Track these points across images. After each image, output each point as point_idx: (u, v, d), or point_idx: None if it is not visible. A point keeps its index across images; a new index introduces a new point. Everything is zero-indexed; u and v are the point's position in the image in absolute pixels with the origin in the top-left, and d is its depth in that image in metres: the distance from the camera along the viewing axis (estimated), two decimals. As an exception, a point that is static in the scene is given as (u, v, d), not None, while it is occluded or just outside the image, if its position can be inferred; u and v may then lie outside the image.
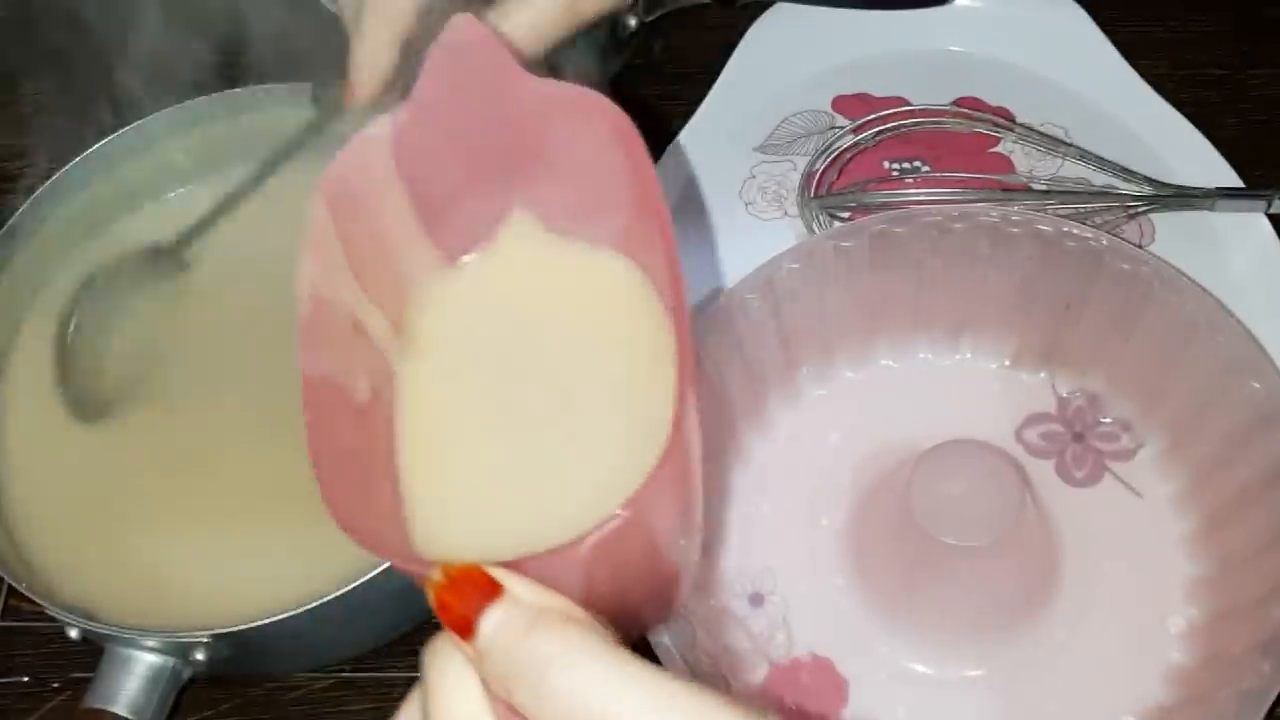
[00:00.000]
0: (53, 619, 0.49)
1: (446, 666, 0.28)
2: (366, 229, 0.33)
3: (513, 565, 0.27)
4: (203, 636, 0.48)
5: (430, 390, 0.33)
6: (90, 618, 0.49)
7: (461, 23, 0.32)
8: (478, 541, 0.29)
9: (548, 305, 0.34)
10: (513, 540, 0.27)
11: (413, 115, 0.32)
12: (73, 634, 0.49)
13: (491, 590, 0.27)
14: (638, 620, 0.32)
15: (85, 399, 0.57)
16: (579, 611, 0.27)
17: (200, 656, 0.48)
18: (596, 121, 0.31)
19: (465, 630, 0.27)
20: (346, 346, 0.32)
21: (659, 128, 0.65)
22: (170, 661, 0.48)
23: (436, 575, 0.27)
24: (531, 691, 0.26)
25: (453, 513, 0.32)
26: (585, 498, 0.29)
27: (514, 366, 0.34)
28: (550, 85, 0.32)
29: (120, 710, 0.47)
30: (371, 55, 0.50)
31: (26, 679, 0.56)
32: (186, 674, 0.49)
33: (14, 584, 0.49)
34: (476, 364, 0.34)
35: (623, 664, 0.26)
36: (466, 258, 0.35)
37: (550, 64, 0.53)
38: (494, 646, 0.26)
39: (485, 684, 0.27)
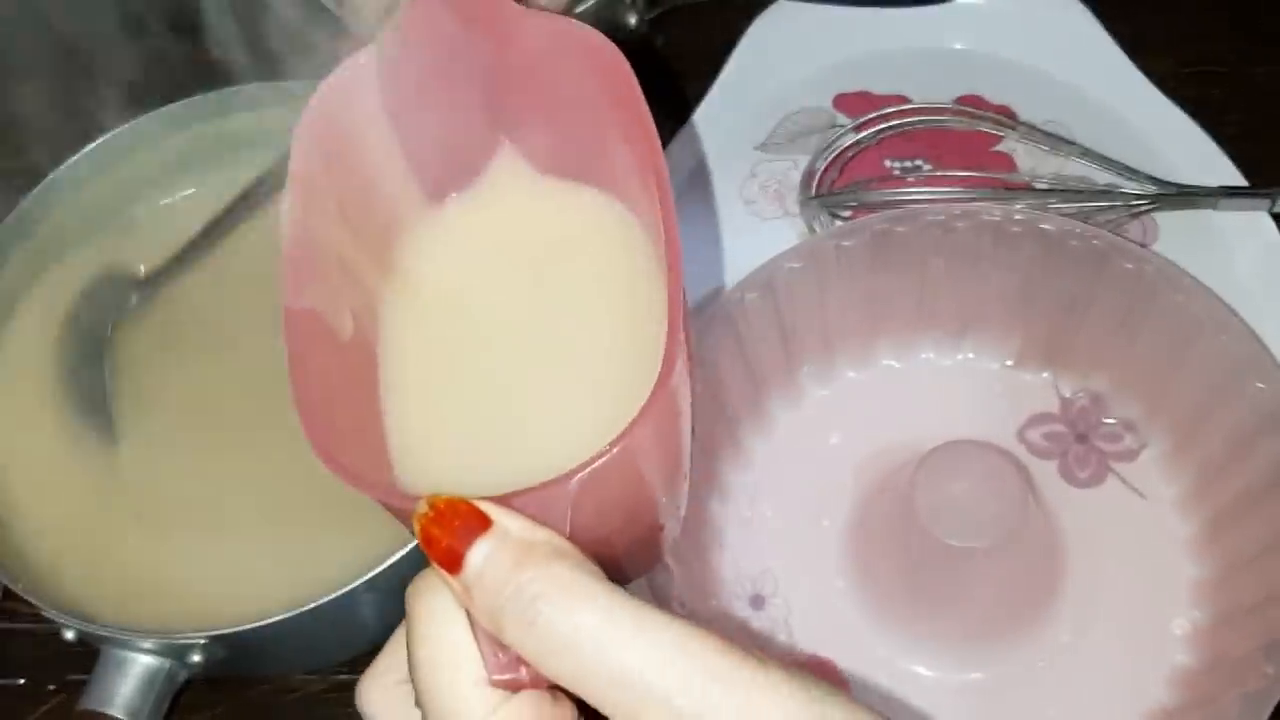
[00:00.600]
0: (49, 620, 0.49)
1: (432, 602, 0.28)
2: (350, 163, 0.32)
3: (503, 500, 0.26)
4: (199, 638, 0.47)
5: (416, 327, 0.33)
6: (86, 619, 0.49)
7: None
8: (464, 478, 0.28)
9: (535, 244, 0.34)
10: (500, 477, 0.27)
11: (397, 46, 0.31)
12: (68, 635, 0.49)
13: (479, 522, 0.26)
14: (619, 570, 0.31)
15: (86, 405, 0.57)
16: (568, 546, 0.27)
17: (196, 658, 0.48)
18: (588, 57, 0.30)
19: (452, 563, 0.26)
20: (330, 281, 0.31)
21: (659, 126, 0.65)
22: (166, 663, 0.48)
23: (422, 507, 0.27)
24: (522, 626, 0.26)
25: (438, 450, 0.31)
26: (574, 435, 0.28)
27: (501, 305, 0.33)
28: (541, 18, 0.31)
29: (116, 712, 0.47)
30: None
31: (23, 680, 0.56)
32: (182, 676, 0.49)
33: (10, 585, 0.49)
34: (463, 301, 0.33)
35: (615, 602, 0.26)
36: (453, 195, 0.34)
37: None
38: (482, 580, 0.26)
39: (472, 619, 0.27)
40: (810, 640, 0.52)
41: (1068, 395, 0.56)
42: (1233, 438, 0.51)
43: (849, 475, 0.55)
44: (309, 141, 0.31)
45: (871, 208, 0.59)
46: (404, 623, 0.29)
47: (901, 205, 0.58)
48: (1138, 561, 0.52)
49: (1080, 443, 0.55)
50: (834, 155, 0.63)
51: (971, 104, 0.65)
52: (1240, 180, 0.61)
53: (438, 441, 0.31)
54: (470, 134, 0.34)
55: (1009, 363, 0.57)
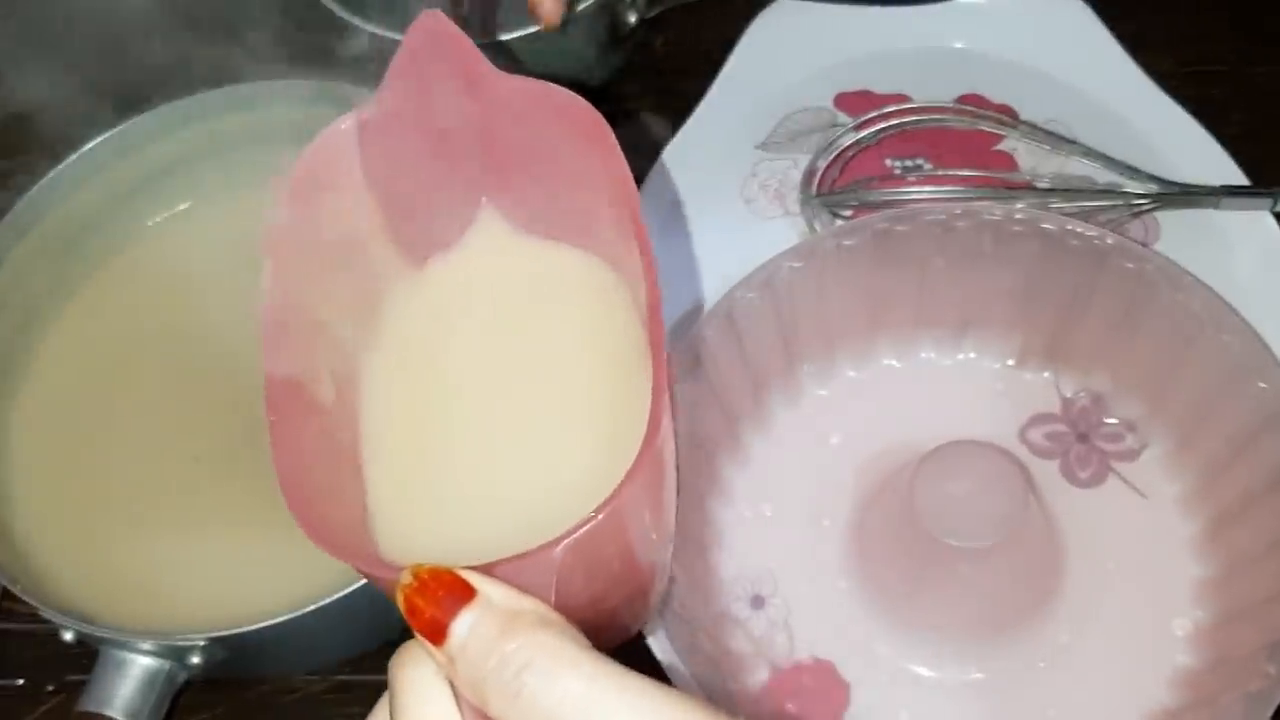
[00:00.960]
0: (48, 621, 0.49)
1: (415, 675, 0.27)
2: (330, 228, 0.32)
3: (487, 569, 0.26)
4: (198, 640, 0.47)
5: (396, 393, 0.33)
6: (86, 620, 0.49)
7: (429, 19, 0.31)
8: (446, 546, 0.28)
9: (517, 306, 0.34)
10: (482, 545, 0.27)
11: (379, 111, 0.32)
12: (67, 636, 0.48)
13: (463, 593, 0.26)
14: (611, 627, 0.31)
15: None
16: (553, 615, 0.27)
17: (195, 660, 0.48)
18: (568, 119, 0.31)
19: (436, 634, 0.26)
20: (310, 347, 0.31)
21: (659, 125, 0.65)
22: (165, 664, 0.48)
23: (406, 577, 0.26)
24: (507, 698, 0.25)
25: (420, 517, 0.31)
26: (557, 501, 0.28)
27: (482, 368, 0.33)
28: (520, 82, 0.32)
29: (115, 713, 0.47)
30: None
31: (22, 681, 0.56)
32: (181, 677, 0.49)
33: (9, 586, 0.49)
34: (443, 366, 0.33)
35: (600, 670, 0.26)
36: (433, 259, 0.34)
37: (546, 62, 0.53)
38: (467, 651, 0.26)
39: (457, 691, 0.27)
40: (810, 640, 0.52)
41: (1069, 395, 0.56)
42: (1234, 437, 0.51)
43: (849, 475, 0.55)
44: (289, 209, 0.31)
45: (872, 207, 0.59)
46: (384, 696, 0.29)
47: (902, 204, 0.58)
48: (1139, 561, 0.52)
49: (1081, 442, 0.55)
50: (835, 154, 0.63)
51: (973, 103, 0.65)
52: (1242, 179, 0.61)
53: (418, 505, 0.31)
54: (450, 195, 0.34)
55: (1010, 362, 0.57)
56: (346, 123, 0.32)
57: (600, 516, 0.26)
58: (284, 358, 0.30)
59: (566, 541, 0.26)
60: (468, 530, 0.30)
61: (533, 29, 0.61)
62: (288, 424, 0.29)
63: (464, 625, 0.26)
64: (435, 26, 0.31)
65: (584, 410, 0.31)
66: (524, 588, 0.27)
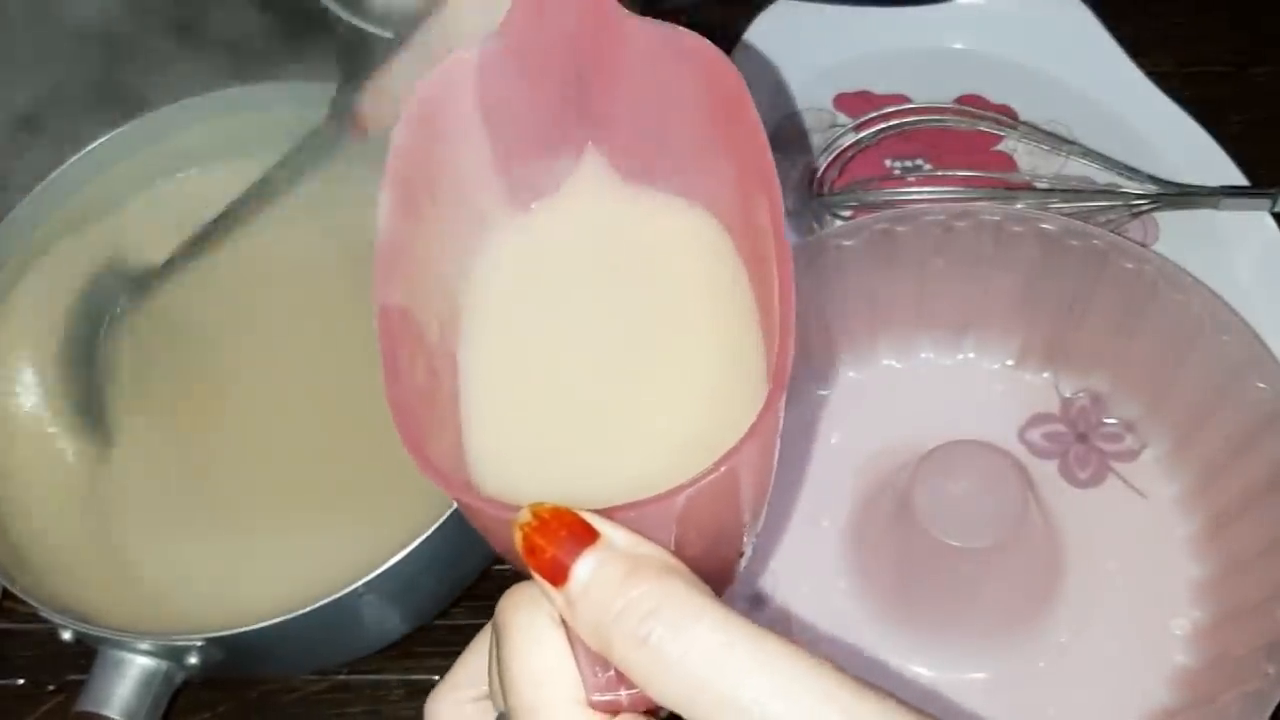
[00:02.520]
0: (47, 621, 0.49)
1: (529, 615, 0.27)
2: (443, 162, 0.31)
3: (607, 513, 0.26)
4: (196, 640, 0.47)
5: (496, 338, 0.32)
6: (85, 620, 0.48)
7: None
8: (545, 494, 0.27)
9: (619, 253, 0.33)
10: (582, 494, 0.26)
11: (500, 46, 0.31)
12: (66, 636, 0.48)
13: (586, 534, 0.25)
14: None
15: (83, 404, 0.57)
16: (678, 563, 0.26)
17: (194, 660, 0.48)
18: (697, 66, 0.30)
19: (558, 575, 0.25)
20: (419, 281, 0.30)
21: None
22: (163, 665, 0.48)
23: (525, 516, 0.26)
24: (632, 644, 0.25)
25: (518, 465, 0.30)
26: (660, 454, 0.27)
27: (583, 315, 0.32)
28: (649, 24, 0.30)
29: (112, 714, 0.47)
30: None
31: (22, 681, 0.56)
32: (180, 677, 0.49)
33: (8, 585, 0.49)
34: (544, 311, 0.32)
35: (731, 622, 0.25)
36: (537, 203, 0.33)
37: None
38: (589, 594, 0.25)
39: (574, 635, 0.26)
40: (810, 640, 0.52)
41: (1068, 395, 0.56)
42: (1233, 437, 0.51)
43: (849, 475, 0.55)
44: (408, 139, 0.30)
45: (872, 207, 0.59)
46: (481, 635, 0.28)
47: (902, 205, 0.58)
48: (1138, 561, 0.52)
49: (1081, 443, 0.55)
50: (834, 155, 0.63)
51: (972, 104, 0.65)
52: (1241, 180, 0.61)
53: (515, 454, 0.31)
54: (560, 138, 0.33)
55: (1009, 362, 0.57)
56: (469, 52, 0.31)
57: (722, 469, 0.25)
58: (395, 289, 0.29)
59: (689, 491, 0.25)
60: (567, 479, 0.29)
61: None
62: (400, 354, 0.28)
63: (586, 567, 0.25)
64: None
65: (688, 364, 0.30)
66: (643, 536, 0.26)
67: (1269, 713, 0.45)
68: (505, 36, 0.31)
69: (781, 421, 0.27)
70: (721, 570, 0.30)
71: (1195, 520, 0.53)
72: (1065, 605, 0.51)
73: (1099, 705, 0.50)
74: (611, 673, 0.26)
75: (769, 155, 0.28)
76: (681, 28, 0.30)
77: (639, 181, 0.33)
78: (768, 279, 0.28)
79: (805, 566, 0.53)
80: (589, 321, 0.32)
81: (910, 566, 0.51)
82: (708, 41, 0.30)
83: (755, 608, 0.53)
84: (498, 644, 0.27)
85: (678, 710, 0.25)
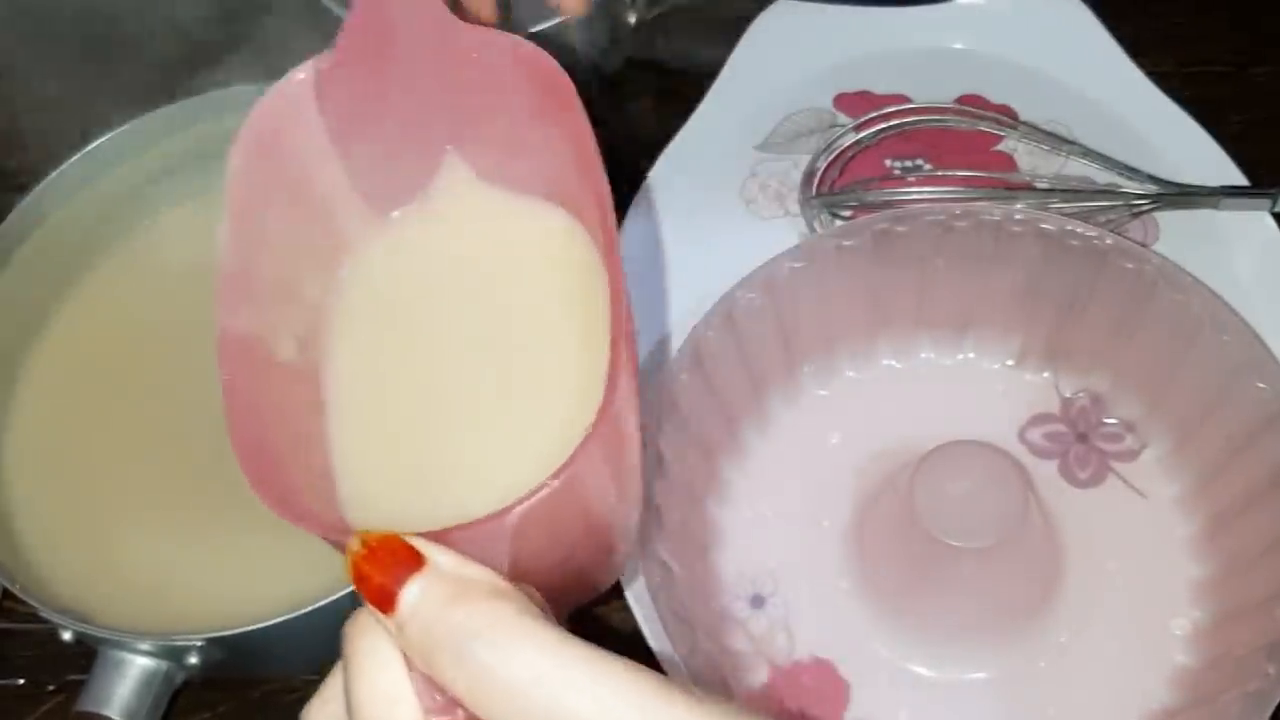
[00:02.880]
0: (47, 621, 0.49)
1: (367, 642, 0.27)
2: (290, 182, 0.32)
3: (438, 536, 0.26)
4: (196, 640, 0.47)
5: (359, 351, 0.32)
6: (85, 620, 0.48)
7: None
8: (411, 511, 0.28)
9: (482, 258, 0.33)
10: (443, 507, 0.27)
11: (337, 62, 0.31)
12: (66, 636, 0.48)
13: (412, 561, 0.26)
14: (578, 586, 0.31)
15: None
16: (504, 584, 0.26)
17: (194, 660, 0.48)
18: (531, 71, 0.31)
19: (385, 602, 0.26)
20: (271, 303, 0.31)
21: (659, 126, 0.65)
22: (163, 665, 0.48)
23: (355, 544, 0.26)
24: (454, 665, 0.25)
25: (380, 477, 0.31)
26: (519, 463, 0.28)
27: (447, 324, 0.32)
28: (482, 33, 0.31)
29: (112, 714, 0.47)
30: None
31: (22, 681, 0.56)
32: (180, 677, 0.49)
33: (8, 585, 0.49)
34: (408, 321, 0.32)
35: (549, 639, 0.25)
36: (397, 211, 0.34)
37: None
38: (415, 619, 0.26)
39: (406, 658, 0.26)
40: (810, 640, 0.52)
41: (1068, 395, 0.56)
42: (1233, 437, 0.51)
43: (849, 475, 0.55)
44: (245, 161, 0.31)
45: (872, 207, 0.59)
46: (339, 662, 0.29)
47: (902, 205, 0.58)
48: (1138, 561, 0.52)
49: (1081, 443, 0.55)
50: (834, 155, 0.63)
51: (972, 104, 0.65)
52: (1241, 180, 0.61)
53: (379, 468, 0.31)
54: (414, 145, 0.33)
55: (1009, 362, 0.57)
56: (303, 73, 0.31)
57: (556, 483, 0.25)
58: (241, 314, 0.29)
59: (519, 509, 0.25)
60: (433, 495, 0.29)
61: (532, 29, 0.61)
62: (243, 382, 0.29)
63: (412, 593, 0.26)
64: None
65: (549, 369, 0.31)
66: (479, 555, 0.26)
67: (1269, 713, 0.45)
68: (341, 52, 0.31)
69: (628, 424, 0.28)
70: (594, 567, 0.31)
71: (1195, 520, 0.53)
72: (1065, 605, 0.51)
73: (1099, 705, 0.50)
74: (448, 694, 0.26)
75: (598, 160, 0.29)
76: (514, 35, 0.31)
77: (500, 184, 0.33)
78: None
79: (805, 567, 0.53)
80: (450, 330, 0.32)
81: (910, 566, 0.51)
82: (536, 47, 0.31)
83: (755, 607, 0.53)
84: (344, 669, 0.28)
85: None
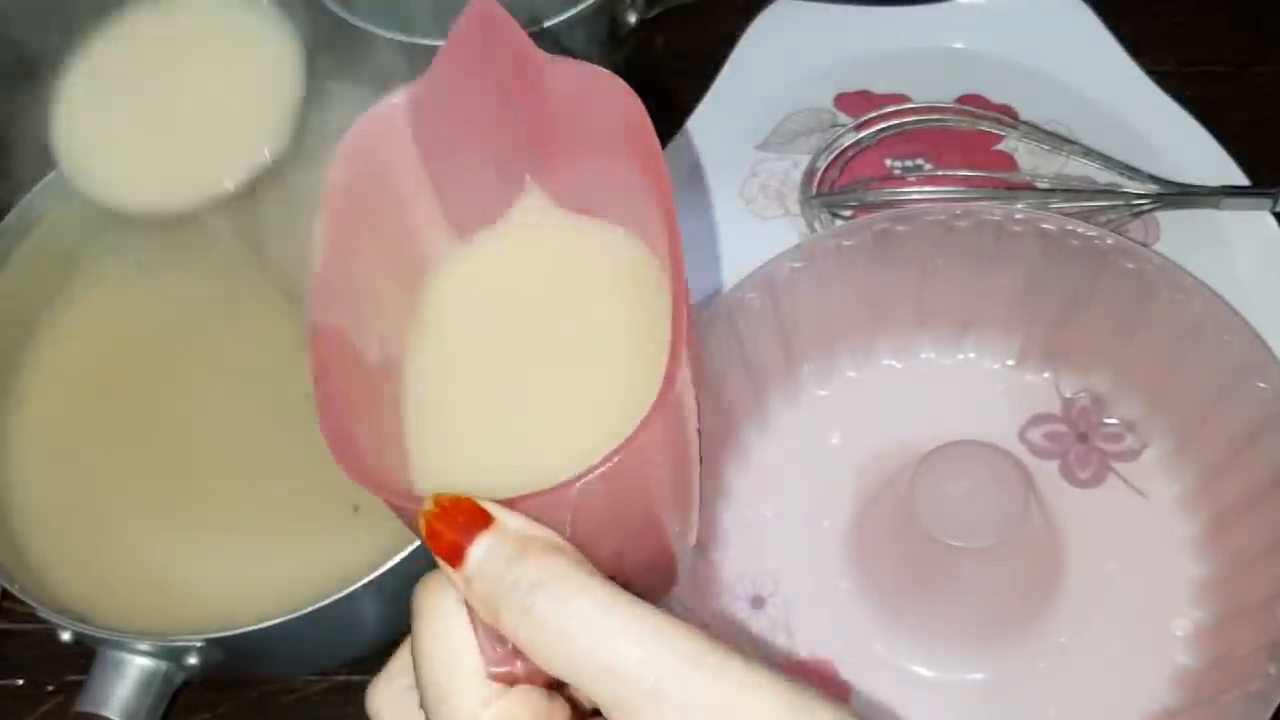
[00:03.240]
0: (47, 621, 0.49)
1: (436, 598, 0.29)
2: (383, 197, 0.34)
3: (504, 503, 0.28)
4: (195, 641, 0.47)
5: (440, 352, 0.35)
6: (84, 620, 0.48)
7: (481, 3, 0.33)
8: (475, 488, 0.30)
9: (556, 278, 0.36)
10: (511, 489, 0.29)
11: (428, 89, 0.33)
12: (65, 637, 0.48)
13: (481, 518, 0.28)
14: (631, 588, 0.32)
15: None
16: (565, 544, 0.28)
17: (193, 661, 0.48)
18: (610, 102, 0.33)
19: (455, 556, 0.28)
20: (358, 306, 0.33)
21: (659, 126, 0.65)
22: (163, 665, 0.48)
23: (428, 504, 0.28)
24: (518, 614, 0.27)
25: (454, 465, 0.33)
26: (581, 450, 0.29)
27: (519, 329, 0.35)
28: (568, 64, 0.33)
29: (112, 714, 0.47)
30: None
31: (21, 681, 0.56)
32: (179, 678, 0.49)
33: (8, 585, 0.49)
34: (484, 326, 0.35)
35: (604, 592, 0.27)
36: (478, 233, 0.36)
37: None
38: (481, 571, 0.27)
39: (472, 611, 0.28)
40: (810, 640, 0.52)
41: (1069, 395, 0.56)
42: (1234, 437, 0.51)
43: (849, 475, 0.55)
44: (344, 174, 0.33)
45: (872, 207, 0.59)
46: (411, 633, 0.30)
47: (902, 205, 0.58)
48: (1139, 561, 0.52)
49: (1081, 443, 0.55)
50: (834, 155, 0.63)
51: (973, 103, 0.65)
52: (1242, 179, 0.61)
53: (454, 457, 0.33)
54: (498, 173, 0.35)
55: (1010, 362, 0.57)
56: (399, 96, 0.33)
57: (616, 459, 0.27)
58: (331, 311, 0.32)
59: (582, 481, 0.27)
60: (498, 479, 0.31)
61: (532, 28, 0.61)
62: (330, 369, 0.31)
63: (480, 548, 0.28)
64: (487, 10, 0.33)
65: (611, 370, 0.33)
66: (540, 523, 0.28)
67: (1271, 713, 0.45)
68: (433, 82, 0.33)
69: (686, 413, 0.30)
70: (651, 568, 0.33)
71: (1196, 520, 0.53)
72: (1066, 605, 0.51)
73: (1099, 706, 0.50)
74: (509, 647, 0.28)
75: (667, 181, 0.31)
76: (597, 66, 0.33)
77: (578, 211, 0.36)
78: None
79: (806, 567, 0.53)
80: (522, 335, 0.35)
81: (911, 566, 0.51)
82: (616, 77, 0.33)
83: (755, 607, 0.53)
84: (413, 626, 0.30)
85: (561, 676, 0.27)
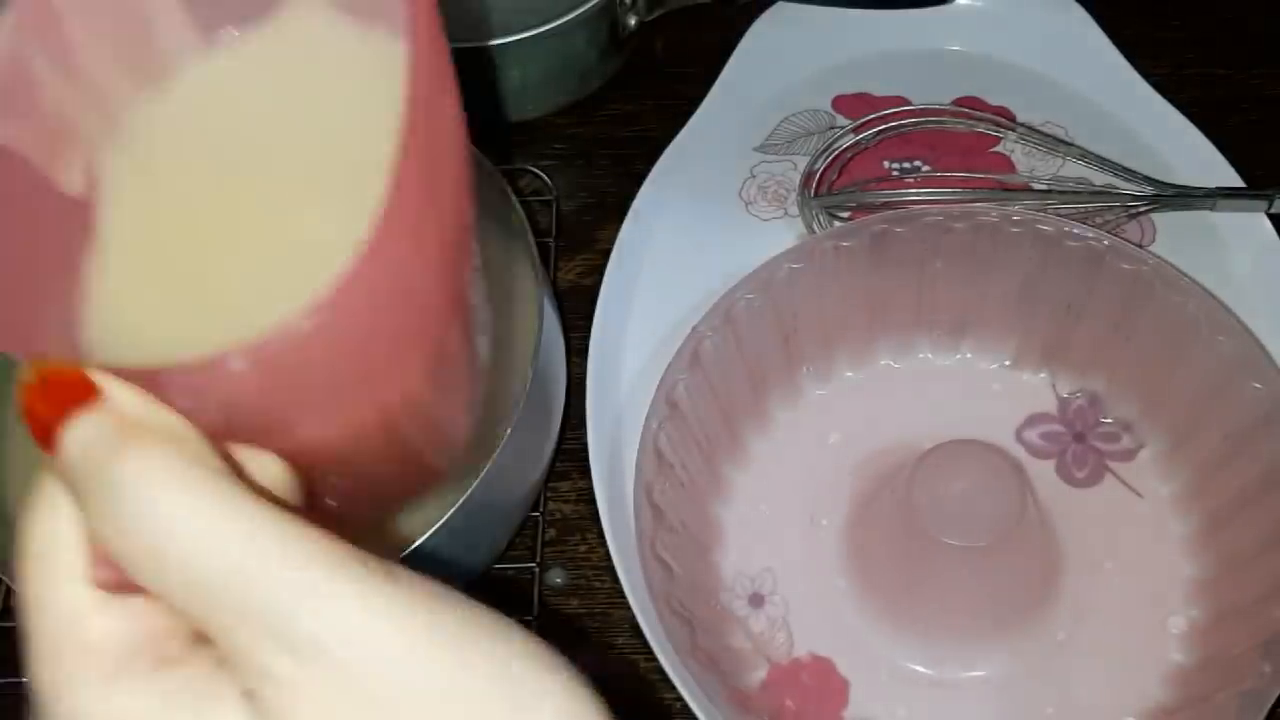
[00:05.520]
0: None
1: (45, 484, 0.24)
2: None
3: (145, 375, 0.22)
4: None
5: (146, 182, 0.28)
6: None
7: None
8: (157, 345, 0.24)
9: (306, 90, 0.29)
10: (193, 349, 0.22)
11: None
12: (69, 635, 0.48)
13: (84, 394, 0.23)
14: (362, 482, 0.27)
15: None
16: (190, 433, 0.23)
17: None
18: None
19: (47, 440, 0.23)
20: (57, 121, 0.26)
21: (659, 127, 0.65)
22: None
23: (28, 374, 0.23)
24: (103, 513, 0.22)
25: (138, 310, 0.27)
26: (286, 301, 0.22)
27: (249, 160, 0.28)
28: None
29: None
30: None
31: (25, 679, 0.56)
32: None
33: (11, 584, 0.49)
34: (211, 154, 0.29)
35: (212, 490, 0.22)
36: (227, 32, 0.29)
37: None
38: (77, 461, 0.22)
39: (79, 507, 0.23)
40: (809, 639, 0.52)
41: (1065, 395, 0.57)
42: (1230, 437, 0.51)
43: (848, 474, 0.55)
44: None
45: (870, 208, 0.59)
46: None
47: (900, 206, 0.58)
48: (1135, 560, 0.53)
49: (1078, 442, 0.56)
50: (833, 156, 0.63)
51: (970, 105, 0.65)
52: (1237, 181, 0.61)
53: (138, 301, 0.27)
54: None
55: (1007, 363, 0.57)
56: None
57: (303, 322, 0.21)
58: (9, 126, 0.25)
59: (240, 351, 0.21)
60: (184, 332, 0.25)
61: (533, 30, 0.62)
62: None
63: (76, 432, 0.22)
64: None
65: (354, 205, 0.25)
66: (188, 405, 0.23)
67: (1265, 711, 0.45)
68: None
69: (430, 247, 0.23)
70: (400, 462, 0.27)
71: (1192, 519, 0.53)
72: (1063, 604, 0.52)
73: (1096, 703, 0.50)
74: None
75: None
76: None
77: (356, 15, 0.29)
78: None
79: (804, 566, 0.54)
80: (253, 165, 0.28)
81: (909, 566, 0.52)
82: None
83: (755, 607, 0.53)
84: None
85: (148, 587, 0.22)
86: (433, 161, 0.23)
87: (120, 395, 0.23)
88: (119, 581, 0.23)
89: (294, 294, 0.22)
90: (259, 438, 0.24)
